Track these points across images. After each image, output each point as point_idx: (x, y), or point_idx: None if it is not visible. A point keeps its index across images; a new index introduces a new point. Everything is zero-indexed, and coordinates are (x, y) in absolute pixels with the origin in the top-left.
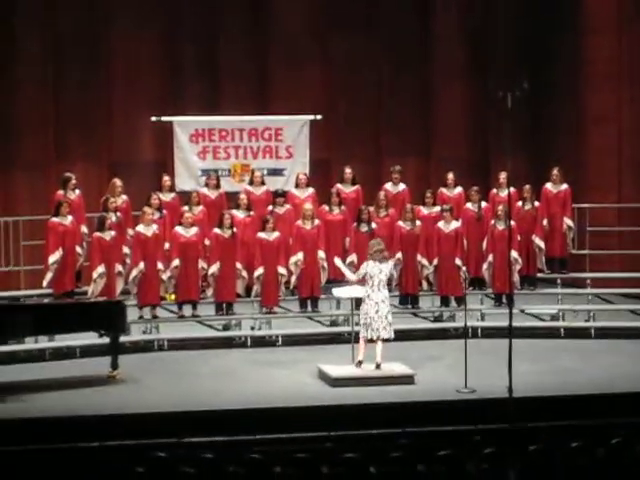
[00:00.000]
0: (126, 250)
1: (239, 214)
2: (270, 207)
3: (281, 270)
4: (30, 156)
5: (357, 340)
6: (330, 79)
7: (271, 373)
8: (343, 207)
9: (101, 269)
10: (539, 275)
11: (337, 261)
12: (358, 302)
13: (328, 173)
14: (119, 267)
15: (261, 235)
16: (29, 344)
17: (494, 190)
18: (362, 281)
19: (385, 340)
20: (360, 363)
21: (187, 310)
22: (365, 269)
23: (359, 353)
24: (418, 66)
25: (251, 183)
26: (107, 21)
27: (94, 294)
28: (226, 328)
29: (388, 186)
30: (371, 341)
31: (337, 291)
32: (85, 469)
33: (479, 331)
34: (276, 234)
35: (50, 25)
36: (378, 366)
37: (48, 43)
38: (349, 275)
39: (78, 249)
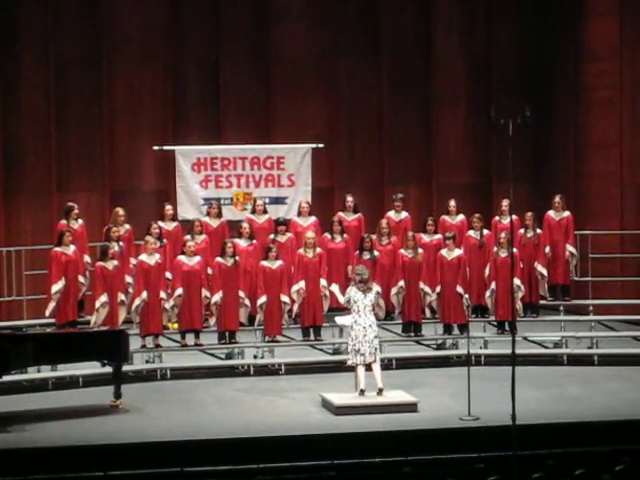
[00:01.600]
0: (129, 279)
1: (241, 243)
2: (272, 236)
3: (284, 298)
4: (32, 185)
5: (353, 369)
6: (332, 107)
7: (274, 402)
8: (345, 235)
9: (104, 298)
10: (542, 302)
11: (334, 287)
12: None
13: (330, 201)
14: (122, 296)
15: (264, 263)
16: (32, 374)
17: (496, 217)
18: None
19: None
20: (363, 392)
21: (190, 339)
22: (349, 294)
23: (359, 382)
24: (420, 94)
25: (253, 212)
26: (110, 50)
27: (97, 323)
28: (229, 357)
29: (390, 214)
30: (369, 368)
31: (340, 319)
32: None
33: (482, 358)
34: (279, 262)
35: (54, 54)
36: (380, 391)
37: (51, 71)
38: (339, 297)
39: (81, 278)
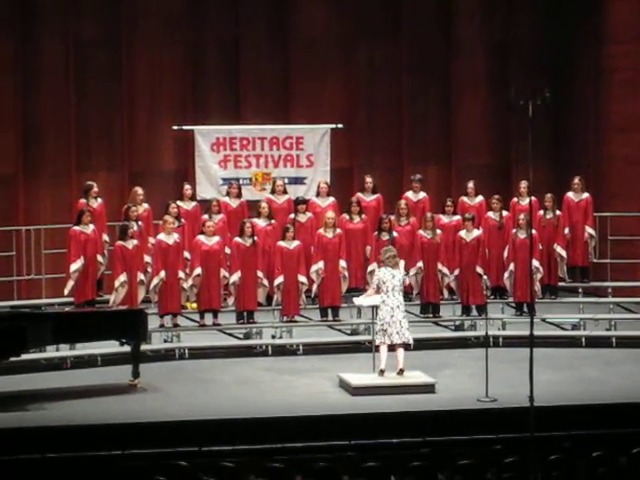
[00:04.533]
0: (147, 259)
1: (260, 223)
2: (292, 215)
3: (302, 279)
4: (52, 165)
5: (377, 349)
6: (351, 88)
7: (292, 382)
8: (364, 216)
9: (123, 277)
10: (560, 284)
11: (360, 300)
12: (377, 309)
13: (349, 182)
14: (141, 276)
15: (281, 244)
16: (50, 352)
17: (515, 199)
18: (366, 283)
19: (405, 346)
20: (382, 372)
21: (208, 319)
22: (377, 276)
23: (381, 362)
24: (440, 75)
25: (273, 192)
26: (130, 30)
27: (116, 303)
28: (247, 337)
29: (409, 195)
30: (392, 348)
31: (358, 300)
32: (106, 477)
33: (500, 340)
34: (296, 243)
35: (72, 33)
36: (401, 372)
37: (70, 51)
38: (371, 294)
39: (100, 258)
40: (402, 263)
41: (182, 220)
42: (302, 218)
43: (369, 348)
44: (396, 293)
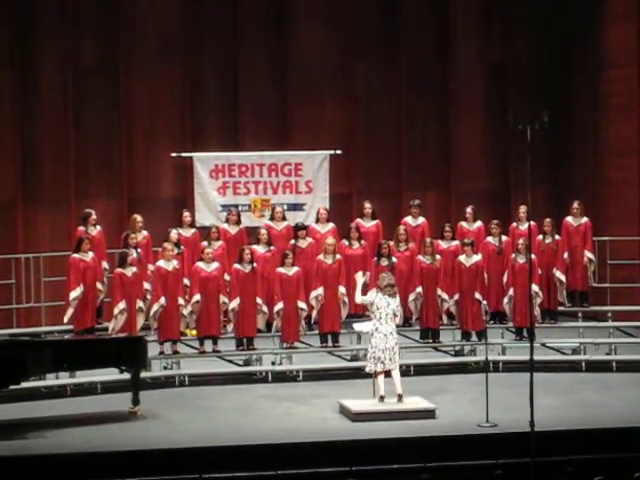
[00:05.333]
0: (147, 286)
1: (259, 249)
2: (292, 241)
3: (301, 305)
4: (50, 192)
5: (374, 375)
6: (350, 113)
7: (292, 408)
8: (363, 242)
9: (122, 305)
10: (560, 308)
11: (359, 277)
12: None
13: (348, 208)
14: (140, 303)
15: (280, 270)
16: (50, 380)
17: (514, 224)
18: (366, 309)
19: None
20: (382, 398)
21: (208, 345)
22: (372, 298)
23: (379, 388)
24: (438, 99)
25: (272, 218)
26: (128, 58)
27: (115, 330)
28: (247, 363)
29: (407, 220)
30: (388, 375)
31: (358, 326)
32: None
33: (500, 365)
34: (296, 269)
35: (70, 61)
36: (400, 397)
37: (68, 79)
38: (357, 294)
39: (99, 285)
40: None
41: (182, 247)
42: (302, 244)
43: (370, 374)
44: (389, 320)
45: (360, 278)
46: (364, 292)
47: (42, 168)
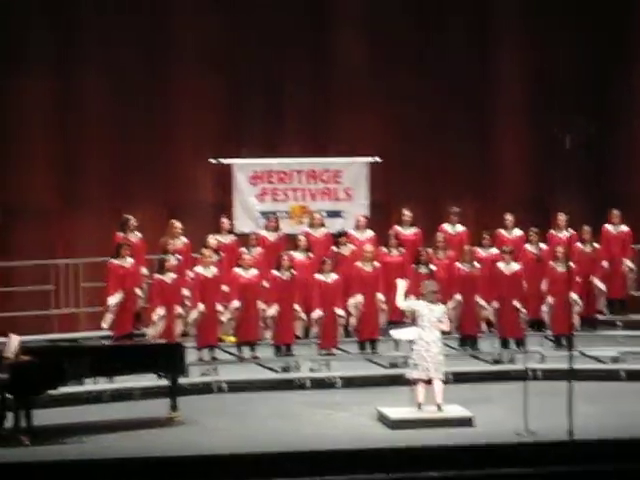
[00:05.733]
0: (185, 292)
1: (298, 256)
2: (334, 248)
3: (339, 312)
4: (91, 198)
5: (414, 383)
6: (389, 121)
7: (330, 415)
8: (402, 249)
9: (161, 311)
10: (599, 317)
11: (400, 282)
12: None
13: (387, 215)
14: (179, 309)
15: (319, 277)
16: (89, 386)
17: (553, 231)
18: (405, 316)
19: (442, 381)
20: (420, 405)
21: (246, 352)
22: (416, 306)
23: (418, 396)
24: (478, 106)
25: (311, 225)
26: (170, 63)
27: (154, 336)
28: (285, 370)
29: (446, 227)
30: (428, 382)
31: (396, 333)
32: None
33: (539, 373)
34: (334, 276)
35: (114, 65)
36: (439, 407)
37: (112, 83)
38: (399, 298)
39: (138, 291)
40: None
41: (221, 253)
42: (344, 251)
43: (408, 381)
44: (432, 327)
45: (402, 284)
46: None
47: (82, 174)
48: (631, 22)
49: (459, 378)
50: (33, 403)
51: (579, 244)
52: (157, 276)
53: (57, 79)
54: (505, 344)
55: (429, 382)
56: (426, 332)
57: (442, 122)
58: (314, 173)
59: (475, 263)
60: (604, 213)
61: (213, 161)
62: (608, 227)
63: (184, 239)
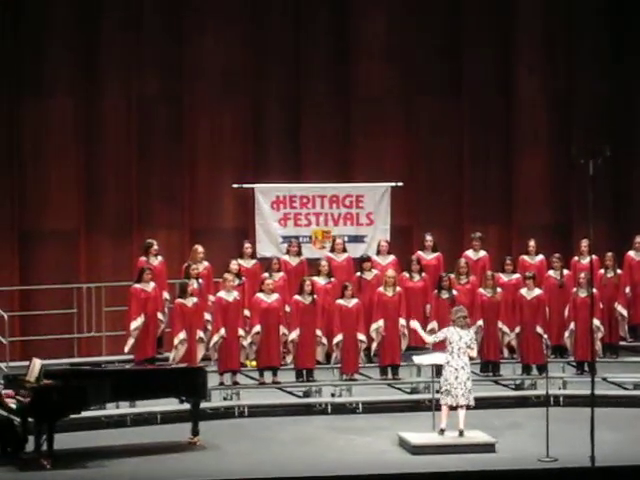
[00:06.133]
0: (207, 316)
1: (320, 281)
2: (358, 273)
3: (360, 337)
4: (113, 222)
5: (438, 408)
6: (411, 145)
7: (351, 440)
8: (424, 274)
9: (182, 335)
10: (622, 343)
11: (414, 324)
12: (439, 369)
13: (409, 240)
14: (200, 333)
15: (340, 302)
16: (110, 410)
17: (576, 257)
18: (438, 346)
19: (466, 407)
20: (442, 431)
21: (268, 376)
22: (445, 334)
23: (441, 421)
24: (500, 132)
25: (332, 250)
26: (191, 87)
27: (175, 360)
28: (306, 395)
29: (468, 253)
30: (453, 408)
31: (418, 358)
32: None
33: (561, 399)
34: (355, 301)
35: (135, 91)
36: (461, 433)
37: (132, 108)
38: (425, 336)
39: (160, 315)
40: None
41: (243, 278)
42: (368, 275)
43: (429, 407)
44: (461, 354)
45: (416, 325)
46: (424, 324)
47: (105, 198)
48: None
49: (481, 404)
50: (55, 427)
51: (602, 270)
52: (179, 300)
53: (78, 102)
54: (527, 370)
55: (455, 408)
56: (454, 358)
57: (465, 148)
58: (336, 198)
59: (497, 289)
60: (627, 240)
61: (235, 185)
62: (631, 254)
63: (206, 263)
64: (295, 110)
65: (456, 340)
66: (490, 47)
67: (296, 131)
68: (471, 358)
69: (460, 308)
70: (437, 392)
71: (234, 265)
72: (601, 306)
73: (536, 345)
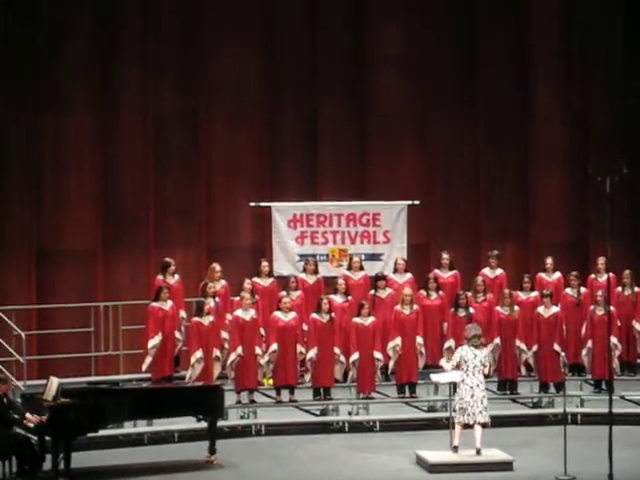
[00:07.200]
0: (224, 335)
1: (337, 299)
2: (372, 291)
3: (377, 355)
4: (130, 240)
5: (453, 425)
6: (428, 163)
7: (369, 459)
8: (441, 292)
9: (199, 354)
10: (639, 361)
11: (443, 363)
12: (456, 387)
13: (426, 258)
14: (217, 352)
15: (357, 320)
16: (128, 428)
17: (593, 275)
18: (457, 367)
19: (482, 425)
20: (456, 448)
21: (285, 395)
22: (459, 354)
23: (455, 438)
24: (517, 149)
25: (349, 268)
26: (207, 105)
27: (192, 379)
28: (324, 413)
29: (485, 271)
30: (468, 426)
31: (435, 376)
32: None
33: (578, 417)
34: (372, 319)
35: (151, 108)
36: (478, 451)
37: (149, 126)
38: (447, 367)
39: (177, 334)
40: (489, 348)
41: (256, 297)
42: (382, 294)
43: (446, 425)
44: (476, 372)
45: (444, 364)
46: (441, 343)
47: (122, 216)
48: None
49: (498, 422)
50: (72, 445)
51: (619, 288)
52: (195, 319)
53: (95, 118)
54: (544, 388)
55: (470, 426)
56: (469, 377)
57: (481, 165)
58: (353, 216)
59: (515, 307)
60: None
61: (252, 204)
62: None
63: (224, 282)
64: (312, 127)
65: (471, 358)
66: (506, 63)
67: (313, 148)
68: (485, 376)
69: (474, 327)
70: (454, 411)
71: (247, 284)
72: (619, 324)
73: (553, 363)
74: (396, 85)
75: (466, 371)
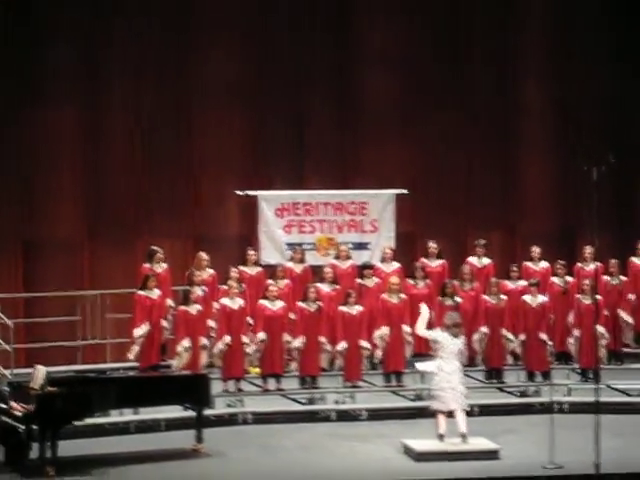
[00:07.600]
0: (211, 324)
1: (324, 288)
2: (359, 280)
3: (364, 344)
4: (117, 229)
5: (434, 415)
6: (416, 153)
7: (355, 447)
8: (428, 281)
9: (186, 343)
10: (626, 350)
11: (424, 308)
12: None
13: (413, 247)
14: (204, 340)
15: (343, 309)
16: (114, 417)
17: (579, 264)
18: (431, 349)
19: (464, 411)
20: (442, 437)
21: (271, 384)
22: (437, 336)
23: (439, 427)
24: (503, 139)
25: (337, 257)
26: (195, 96)
27: (179, 367)
28: (310, 402)
29: (472, 260)
30: (449, 415)
31: (420, 365)
32: None
33: (565, 406)
34: (359, 308)
35: (138, 99)
36: (463, 437)
37: (137, 118)
38: (420, 325)
39: (164, 322)
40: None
41: (242, 285)
42: (369, 283)
43: (432, 413)
44: (453, 358)
45: (425, 310)
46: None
47: (108, 205)
48: None
49: (485, 411)
50: (59, 434)
51: (606, 277)
52: (182, 307)
53: (82, 112)
54: (531, 377)
55: (451, 414)
56: (446, 363)
57: (468, 155)
58: (340, 205)
59: (501, 295)
60: (631, 246)
61: (239, 193)
62: (634, 260)
63: (210, 271)
64: (299, 118)
65: (448, 344)
66: (493, 53)
67: (300, 139)
68: (464, 365)
69: (454, 314)
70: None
71: (234, 273)
72: (605, 313)
73: (540, 352)
74: (384, 75)
75: (442, 357)
